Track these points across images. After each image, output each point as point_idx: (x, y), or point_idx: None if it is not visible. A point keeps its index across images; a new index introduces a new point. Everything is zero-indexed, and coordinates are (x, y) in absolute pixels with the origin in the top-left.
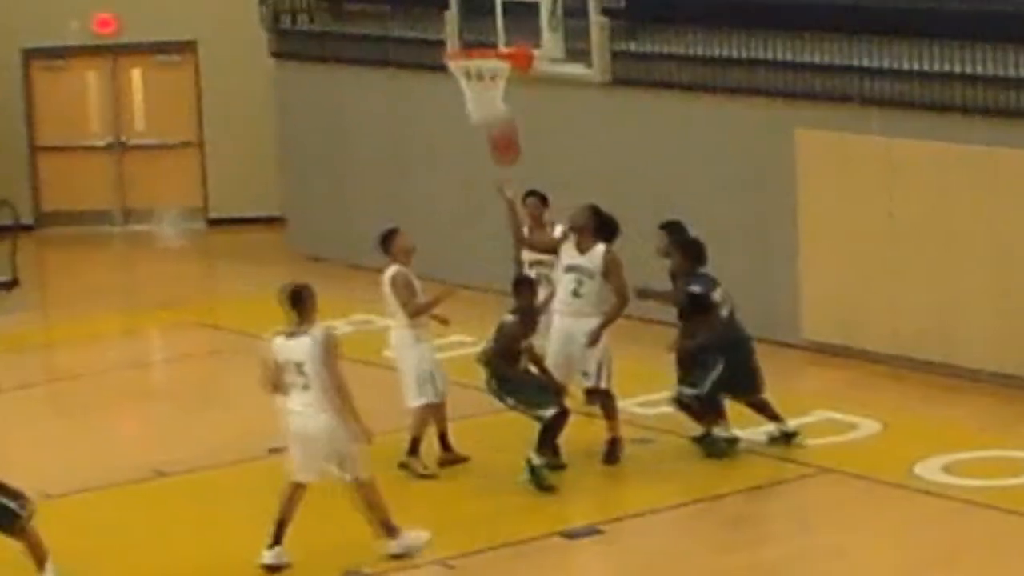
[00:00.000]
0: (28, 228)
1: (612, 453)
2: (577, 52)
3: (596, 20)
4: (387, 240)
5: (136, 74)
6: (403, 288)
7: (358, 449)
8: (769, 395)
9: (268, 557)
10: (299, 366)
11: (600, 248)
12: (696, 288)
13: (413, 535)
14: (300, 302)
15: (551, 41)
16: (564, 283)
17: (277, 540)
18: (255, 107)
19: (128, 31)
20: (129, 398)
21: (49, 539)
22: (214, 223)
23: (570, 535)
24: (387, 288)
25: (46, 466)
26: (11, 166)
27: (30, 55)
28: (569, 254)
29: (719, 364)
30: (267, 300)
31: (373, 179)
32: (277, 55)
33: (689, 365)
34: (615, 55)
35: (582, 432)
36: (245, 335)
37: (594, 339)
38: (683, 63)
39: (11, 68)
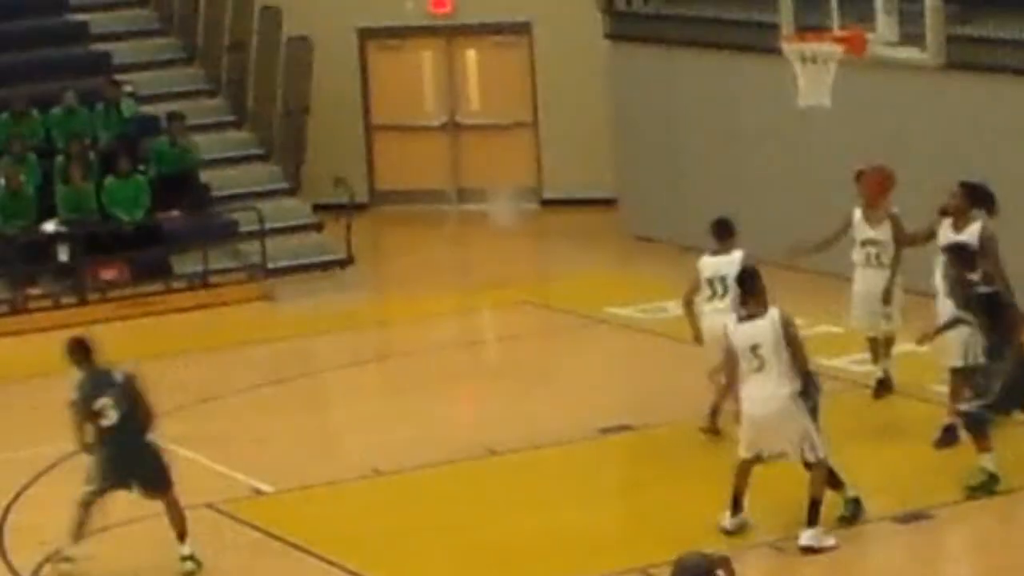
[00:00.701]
0: (363, 207)
1: (946, 438)
2: (912, 36)
3: (931, 3)
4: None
5: (471, 55)
6: None
7: (814, 428)
8: None
9: (729, 524)
10: (755, 349)
11: (975, 227)
12: (988, 288)
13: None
14: (752, 284)
15: (886, 24)
16: (940, 263)
17: (736, 510)
18: (589, 88)
19: (463, 12)
20: (460, 377)
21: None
22: (547, 203)
23: (901, 519)
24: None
25: (378, 442)
26: (347, 145)
27: (366, 35)
28: (945, 234)
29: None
30: (599, 279)
31: (706, 161)
32: (611, 36)
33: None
34: (950, 39)
35: (911, 413)
36: (577, 315)
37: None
38: (1020, 47)
39: (348, 48)
